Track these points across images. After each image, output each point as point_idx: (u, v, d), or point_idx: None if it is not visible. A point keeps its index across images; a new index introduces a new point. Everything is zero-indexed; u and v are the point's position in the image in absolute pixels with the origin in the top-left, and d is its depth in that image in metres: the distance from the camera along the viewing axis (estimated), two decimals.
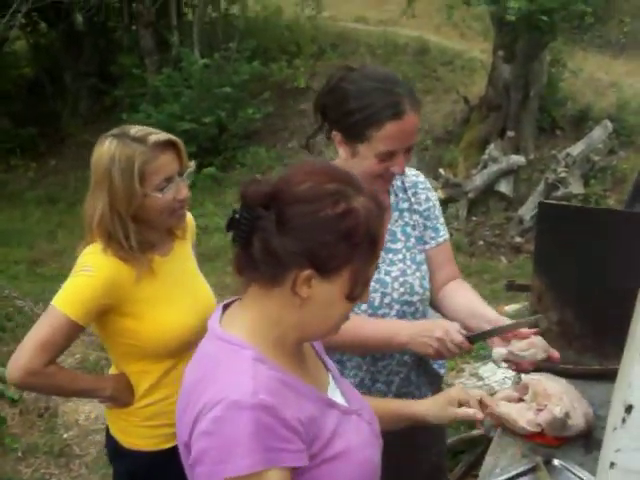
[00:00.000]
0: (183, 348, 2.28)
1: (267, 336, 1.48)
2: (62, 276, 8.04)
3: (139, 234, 2.28)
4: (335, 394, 1.63)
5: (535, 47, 9.57)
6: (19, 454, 4.22)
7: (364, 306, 2.25)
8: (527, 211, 8.77)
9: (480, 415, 1.81)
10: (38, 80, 13.74)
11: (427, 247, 2.41)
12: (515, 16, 8.56)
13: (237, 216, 1.44)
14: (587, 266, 2.37)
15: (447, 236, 2.47)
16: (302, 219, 1.40)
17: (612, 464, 1.04)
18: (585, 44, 12.75)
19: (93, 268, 2.23)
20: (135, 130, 2.27)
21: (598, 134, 9.38)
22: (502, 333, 2.14)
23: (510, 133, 9.66)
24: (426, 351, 2.11)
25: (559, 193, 8.40)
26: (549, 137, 10.32)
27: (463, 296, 2.38)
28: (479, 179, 9.17)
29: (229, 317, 1.56)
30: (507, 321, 2.20)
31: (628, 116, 10.22)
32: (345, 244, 1.41)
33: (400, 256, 2.34)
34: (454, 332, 2.07)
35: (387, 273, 2.30)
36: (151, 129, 2.31)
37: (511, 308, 6.03)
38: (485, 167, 9.30)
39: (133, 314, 2.30)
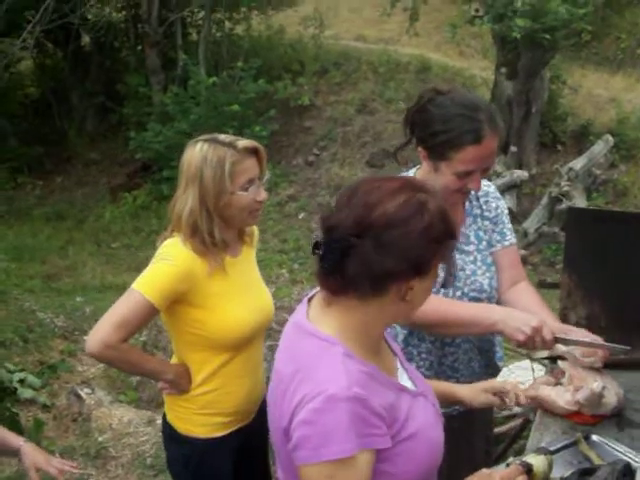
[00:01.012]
0: (242, 343, 2.49)
1: (356, 335, 1.66)
2: (77, 290, 8.27)
3: (222, 230, 2.49)
4: (403, 378, 1.80)
5: (537, 64, 9.82)
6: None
7: (440, 296, 2.46)
8: (531, 224, 8.97)
9: (512, 401, 2.05)
10: (44, 100, 13.92)
11: (493, 250, 2.62)
12: (520, 34, 8.81)
13: (324, 246, 1.61)
14: (612, 264, 2.56)
15: (514, 241, 2.68)
16: (399, 241, 1.57)
17: None
18: (583, 61, 13.04)
19: (173, 258, 2.44)
20: (224, 137, 2.50)
21: (599, 148, 9.61)
22: (586, 346, 2.33)
23: (513, 148, 9.89)
24: (516, 336, 2.26)
25: (563, 206, 8.60)
26: (551, 152, 10.57)
27: (527, 302, 2.55)
28: None
29: (316, 313, 1.72)
30: (575, 330, 2.39)
31: (628, 131, 10.47)
32: (434, 245, 1.61)
33: (472, 257, 2.56)
34: (547, 328, 2.25)
35: (462, 269, 2.52)
36: (237, 137, 2.54)
37: None
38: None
39: (203, 306, 2.48)
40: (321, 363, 1.61)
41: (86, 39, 13.30)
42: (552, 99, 10.65)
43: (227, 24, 13.24)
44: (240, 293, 2.56)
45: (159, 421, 4.90)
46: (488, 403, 2.13)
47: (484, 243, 2.60)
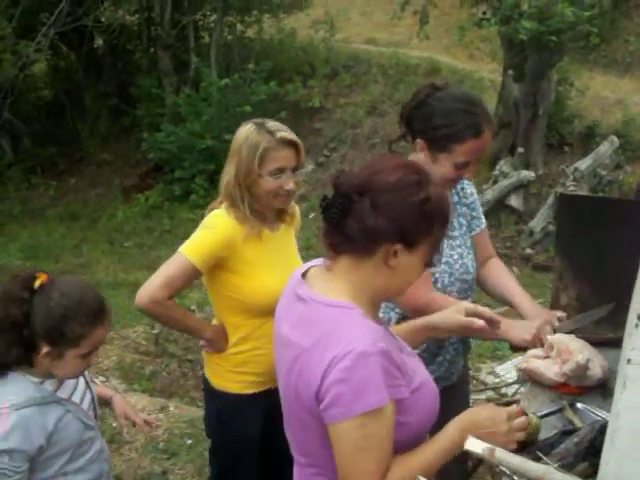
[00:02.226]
0: (273, 309, 2.65)
1: (363, 298, 1.81)
2: None
3: (252, 203, 2.74)
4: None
5: (544, 66, 9.92)
6: None
7: (439, 284, 2.66)
8: (537, 224, 9.08)
9: (480, 324, 2.11)
10: (57, 101, 14.08)
11: (474, 233, 2.84)
12: (526, 36, 8.92)
13: (330, 200, 1.78)
14: (601, 248, 2.70)
15: (485, 224, 2.92)
16: (393, 204, 1.75)
17: (629, 360, 1.36)
18: (591, 64, 13.12)
19: (215, 226, 2.74)
20: (271, 124, 2.72)
21: (605, 149, 9.71)
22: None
23: (520, 149, 10.00)
24: (523, 342, 2.53)
25: None
26: (557, 153, 10.66)
27: (500, 277, 2.86)
28: (490, 194, 9.50)
29: (320, 284, 1.86)
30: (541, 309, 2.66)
31: (634, 132, 10.55)
32: (426, 222, 1.77)
33: (458, 242, 2.75)
34: (548, 327, 2.53)
35: (451, 256, 2.70)
36: (284, 127, 2.75)
37: None
38: (496, 182, 9.63)
39: (240, 272, 2.75)
40: (343, 326, 1.74)
41: (99, 41, 13.49)
42: (559, 101, 10.75)
43: (239, 27, 13.37)
44: (274, 264, 2.77)
45: (172, 408, 5.06)
46: (462, 323, 2.13)
47: (464, 228, 2.80)
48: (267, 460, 2.99)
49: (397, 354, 1.76)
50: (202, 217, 2.88)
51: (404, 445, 1.77)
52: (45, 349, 2.15)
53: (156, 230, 10.70)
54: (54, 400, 2.25)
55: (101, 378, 5.28)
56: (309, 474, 1.89)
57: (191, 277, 2.76)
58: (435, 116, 2.54)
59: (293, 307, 1.89)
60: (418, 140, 2.59)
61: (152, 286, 2.69)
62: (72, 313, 2.16)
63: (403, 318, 2.68)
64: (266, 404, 2.77)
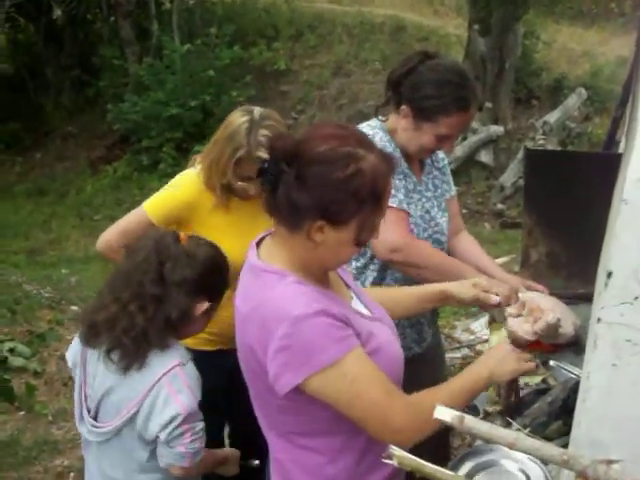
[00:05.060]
0: (233, 277, 2.62)
1: (299, 266, 1.75)
2: (62, 262, 8.33)
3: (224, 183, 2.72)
4: (358, 306, 1.91)
5: (509, 20, 9.87)
6: (50, 418, 4.50)
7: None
8: (508, 179, 9.09)
9: (497, 299, 2.11)
10: (18, 75, 13.81)
11: (444, 198, 2.80)
12: None
13: (266, 165, 1.71)
14: (569, 203, 2.68)
15: (455, 191, 2.88)
16: (317, 179, 1.64)
17: (599, 319, 1.33)
18: (557, 16, 13.07)
19: (180, 187, 2.77)
20: (262, 132, 2.61)
21: (573, 102, 9.71)
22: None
23: (488, 104, 9.96)
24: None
25: None
26: (525, 107, 10.66)
27: (470, 250, 2.82)
28: (460, 150, 9.47)
29: (265, 251, 1.83)
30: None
31: (601, 83, 10.56)
32: (353, 201, 1.66)
33: (431, 203, 2.72)
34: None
35: (427, 212, 2.68)
36: (279, 129, 2.65)
37: (500, 260, 6.33)
38: (465, 138, 9.60)
39: (202, 235, 2.66)
40: (276, 293, 1.69)
41: (58, 12, 13.16)
42: (526, 54, 10.71)
43: None
44: (238, 232, 2.70)
45: None
46: (480, 298, 2.13)
47: (439, 190, 2.77)
48: (236, 427, 3.01)
49: (339, 310, 1.70)
50: None
51: None
52: (205, 305, 2.26)
53: (126, 201, 10.57)
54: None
55: None
56: (281, 446, 1.86)
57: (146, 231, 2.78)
58: (425, 85, 2.50)
59: (244, 275, 1.85)
60: (403, 107, 2.55)
61: (109, 233, 2.82)
62: (220, 267, 2.35)
63: (380, 276, 2.65)
64: (229, 364, 2.74)
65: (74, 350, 2.35)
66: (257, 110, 2.70)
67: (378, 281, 2.65)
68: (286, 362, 1.64)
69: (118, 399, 2.21)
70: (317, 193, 1.64)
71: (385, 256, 2.51)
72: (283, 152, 1.68)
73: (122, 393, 2.20)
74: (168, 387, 2.17)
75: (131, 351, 2.17)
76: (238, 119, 2.66)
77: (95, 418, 2.27)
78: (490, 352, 1.92)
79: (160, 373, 2.17)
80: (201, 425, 2.22)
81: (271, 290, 1.71)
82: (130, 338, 2.16)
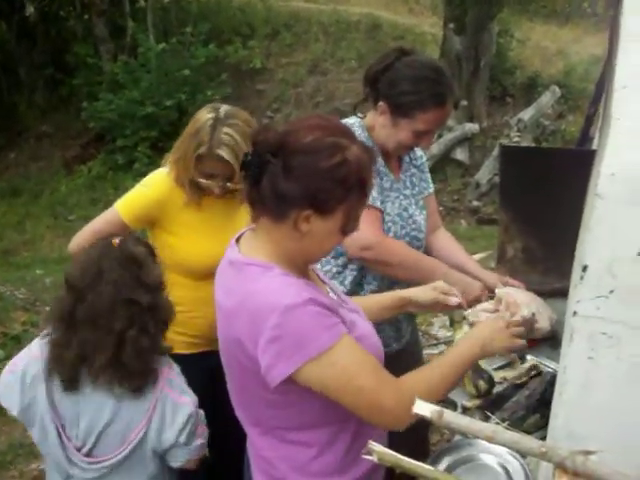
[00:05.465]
0: (207, 274, 2.60)
1: (282, 258, 1.76)
2: (36, 263, 8.21)
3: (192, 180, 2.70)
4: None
5: (484, 19, 9.93)
6: None
7: (391, 234, 2.62)
8: (483, 176, 9.14)
9: (456, 301, 2.13)
10: None
11: (423, 195, 2.81)
12: None
13: (249, 158, 1.71)
14: (544, 198, 2.70)
15: (433, 189, 2.89)
16: (304, 168, 1.66)
17: (575, 313, 1.34)
18: (531, 14, 13.16)
19: (150, 185, 2.75)
20: (225, 129, 2.59)
21: (547, 99, 9.79)
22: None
23: (463, 102, 10.01)
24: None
25: None
26: (500, 105, 10.72)
27: (449, 247, 2.85)
28: (436, 148, 9.51)
29: (246, 245, 1.83)
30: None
31: (575, 82, 10.64)
32: (339, 189, 1.68)
33: (409, 200, 2.73)
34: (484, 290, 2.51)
35: (405, 209, 2.68)
36: (234, 134, 2.61)
37: (477, 257, 6.36)
38: (441, 136, 9.64)
39: (174, 233, 2.75)
40: (263, 285, 1.70)
41: (30, 9, 13.02)
42: (500, 52, 10.78)
43: None
44: (213, 229, 2.73)
45: None
46: (439, 299, 2.16)
47: (417, 188, 2.78)
48: (216, 430, 2.98)
49: (324, 300, 1.71)
50: None
51: None
52: None
53: (101, 201, 10.48)
54: None
55: None
56: (266, 443, 1.86)
57: (121, 231, 2.70)
58: (402, 81, 2.50)
59: (224, 272, 1.85)
60: (381, 103, 2.55)
61: (82, 234, 2.78)
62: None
63: (360, 274, 2.65)
64: (204, 367, 2.72)
65: (19, 397, 2.15)
66: (224, 108, 2.68)
67: (358, 280, 2.65)
68: (278, 352, 1.64)
69: (122, 426, 2.14)
70: (304, 182, 1.66)
71: (356, 254, 2.52)
72: (267, 144, 1.69)
73: (126, 418, 2.14)
74: (171, 394, 2.15)
75: (140, 371, 2.11)
76: (204, 116, 2.66)
77: (88, 454, 2.16)
78: (482, 326, 1.93)
79: (160, 383, 2.14)
80: (201, 410, 2.24)
81: (257, 283, 1.71)
82: (139, 361, 2.10)
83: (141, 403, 2.12)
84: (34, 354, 2.19)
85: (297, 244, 1.74)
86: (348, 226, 1.75)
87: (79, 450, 2.15)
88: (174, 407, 2.14)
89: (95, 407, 2.12)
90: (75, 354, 2.09)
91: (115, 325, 2.06)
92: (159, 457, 2.20)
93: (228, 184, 2.67)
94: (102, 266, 2.09)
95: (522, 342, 1.89)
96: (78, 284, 2.08)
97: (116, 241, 2.16)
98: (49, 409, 2.12)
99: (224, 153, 2.62)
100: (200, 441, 2.21)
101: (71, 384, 2.11)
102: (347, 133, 1.75)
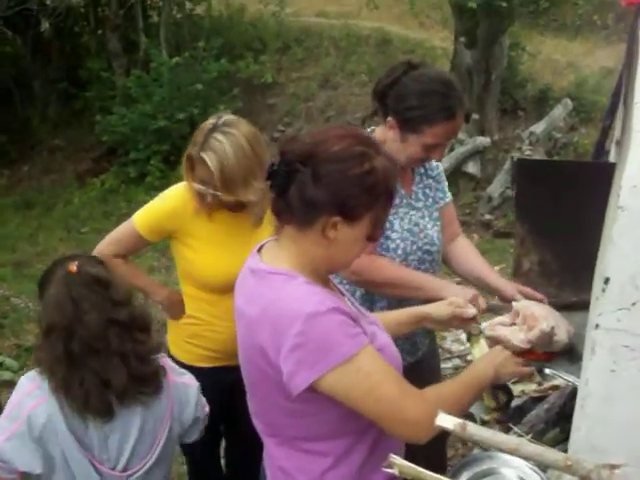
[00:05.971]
0: (225, 288, 2.60)
1: (306, 268, 1.79)
2: None
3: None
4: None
5: (495, 32, 9.92)
6: None
7: (400, 251, 2.62)
8: (495, 189, 9.12)
9: (473, 312, 2.15)
10: (5, 88, 13.74)
11: (438, 206, 2.79)
12: (476, 2, 8.90)
13: (276, 168, 1.74)
14: (560, 212, 2.70)
15: (451, 198, 2.89)
16: (334, 176, 1.71)
17: (597, 325, 1.35)
18: (542, 28, 13.15)
19: (166, 198, 2.79)
20: (219, 136, 2.62)
21: (559, 112, 9.77)
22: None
23: (475, 116, 10.00)
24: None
25: None
26: (512, 118, 10.70)
27: (469, 255, 2.86)
28: (447, 161, 9.49)
29: (269, 255, 1.85)
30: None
31: (586, 94, 10.62)
32: (367, 196, 1.73)
33: (421, 213, 2.71)
34: (482, 299, 2.47)
35: (416, 225, 2.66)
36: (225, 142, 2.63)
37: None
38: (452, 150, 9.63)
39: (190, 245, 2.77)
40: (287, 293, 1.72)
41: (46, 25, 13.12)
42: (511, 66, 10.77)
43: (187, 4, 13.13)
44: (228, 243, 2.74)
45: None
46: (452, 314, 2.21)
47: (430, 200, 2.79)
48: (233, 444, 2.97)
49: (348, 308, 1.75)
50: None
51: None
52: None
53: (113, 214, 10.52)
54: None
55: None
56: (283, 453, 1.86)
57: (138, 244, 2.83)
58: (409, 96, 2.51)
59: (246, 281, 1.87)
60: (389, 118, 2.56)
61: (102, 244, 2.87)
62: None
63: (368, 292, 2.66)
64: (223, 381, 2.72)
65: (38, 453, 2.10)
66: (226, 116, 2.71)
67: (367, 297, 2.66)
68: (301, 359, 1.65)
69: (150, 428, 2.19)
70: (334, 189, 1.70)
71: (348, 277, 2.56)
72: (296, 153, 1.74)
73: (152, 420, 2.19)
74: (176, 378, 2.27)
75: (152, 373, 2.19)
76: (209, 120, 2.71)
77: (124, 469, 2.18)
78: (493, 352, 1.98)
79: (170, 374, 2.25)
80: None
81: (281, 291, 1.73)
82: (147, 365, 2.17)
83: (161, 400, 2.19)
84: (28, 406, 2.15)
85: (324, 251, 1.77)
86: (374, 233, 1.79)
87: (114, 469, 2.17)
88: (184, 389, 2.25)
89: (122, 424, 2.14)
90: (96, 384, 2.10)
91: (112, 345, 2.10)
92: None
93: (219, 193, 2.65)
94: (74, 297, 2.10)
95: (530, 369, 1.96)
96: (62, 323, 2.10)
97: (73, 268, 2.14)
98: (77, 446, 2.10)
99: (207, 157, 2.61)
100: (207, 409, 2.33)
101: (109, 413, 2.13)
102: (373, 143, 1.80)
